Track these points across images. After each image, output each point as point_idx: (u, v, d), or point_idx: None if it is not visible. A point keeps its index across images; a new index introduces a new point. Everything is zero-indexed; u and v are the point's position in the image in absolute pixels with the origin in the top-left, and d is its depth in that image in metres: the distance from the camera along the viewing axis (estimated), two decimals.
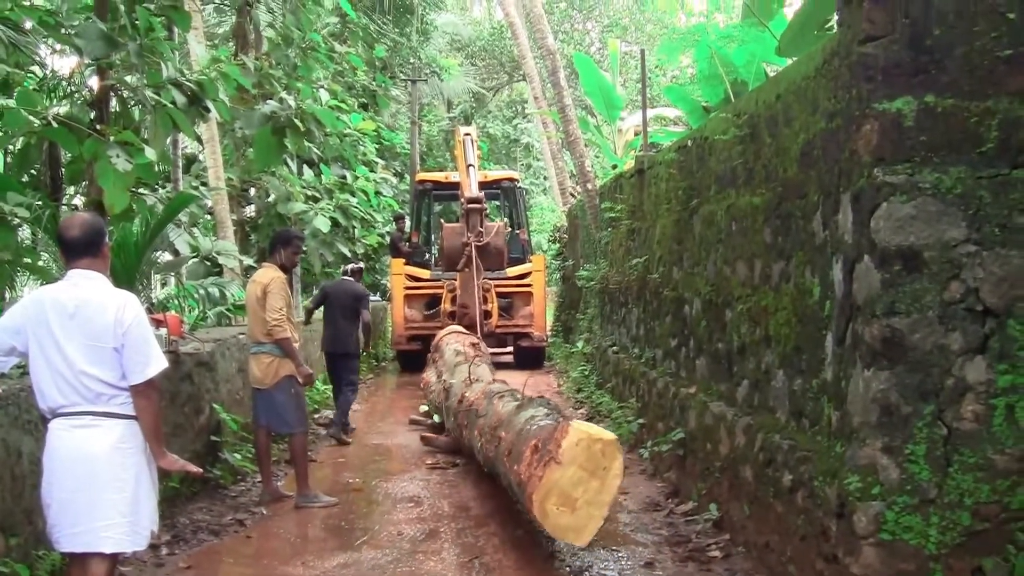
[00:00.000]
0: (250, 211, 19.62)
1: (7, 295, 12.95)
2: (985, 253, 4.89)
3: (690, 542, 7.31)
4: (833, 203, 5.57)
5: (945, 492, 4.85)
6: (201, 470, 5.68)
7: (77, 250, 4.91)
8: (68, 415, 4.74)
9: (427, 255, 22.51)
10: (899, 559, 4.82)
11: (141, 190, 11.98)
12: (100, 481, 4.72)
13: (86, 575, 4.78)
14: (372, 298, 27.47)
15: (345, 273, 13.54)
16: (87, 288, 4.84)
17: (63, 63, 19.22)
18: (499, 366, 15.29)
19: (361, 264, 14.50)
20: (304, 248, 16.91)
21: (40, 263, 10.84)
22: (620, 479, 6.48)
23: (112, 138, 8.76)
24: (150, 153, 9.22)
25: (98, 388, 4.75)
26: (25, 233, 10.36)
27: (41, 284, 11.44)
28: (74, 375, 4.72)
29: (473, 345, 13.34)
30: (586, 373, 15.87)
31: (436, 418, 12.37)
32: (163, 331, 8.54)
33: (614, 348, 13.73)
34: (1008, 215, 4.91)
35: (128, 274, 9.45)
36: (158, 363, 4.89)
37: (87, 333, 4.75)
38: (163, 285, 15.18)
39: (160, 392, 5.19)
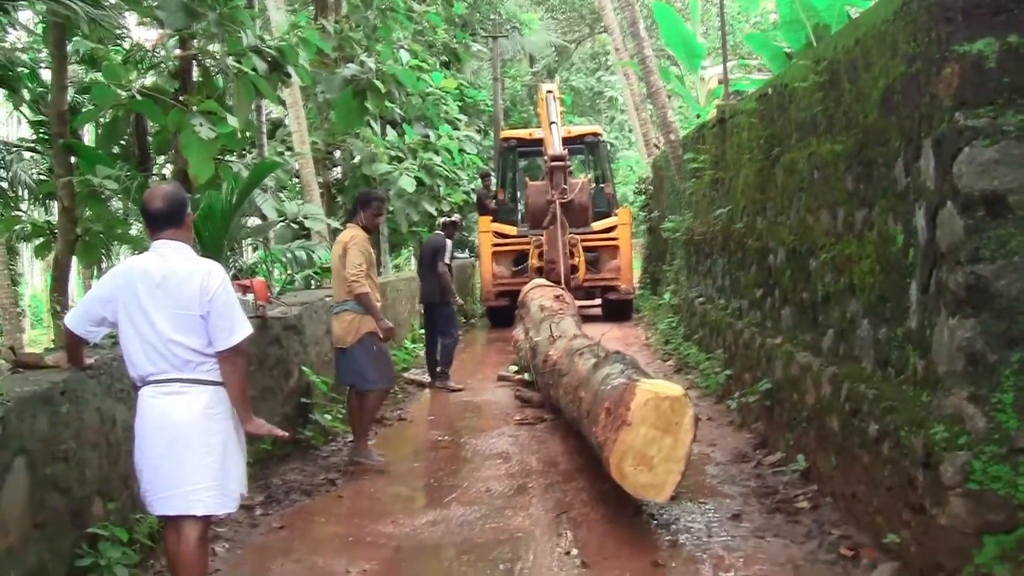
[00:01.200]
0: (336, 173, 19.81)
1: (103, 264, 13.25)
2: None
3: (777, 493, 7.29)
4: (915, 149, 5.46)
5: None
6: (287, 433, 5.79)
7: (160, 221, 5.02)
8: (157, 382, 4.86)
9: (514, 212, 22.60)
10: (987, 509, 4.75)
11: (227, 157, 12.15)
12: (189, 446, 4.85)
13: (180, 536, 4.92)
14: (460, 255, 27.69)
15: (440, 227, 14.02)
16: (173, 258, 4.95)
17: (148, 35, 19.46)
18: (587, 319, 15.32)
19: (455, 217, 14.73)
20: (389, 208, 17.11)
21: (132, 233, 11.08)
22: (693, 432, 6.56)
23: (195, 108, 8.91)
24: (232, 121, 9.36)
25: (186, 355, 4.86)
26: (117, 204, 10.56)
27: (133, 253, 11.73)
28: (163, 343, 4.83)
29: (557, 298, 13.40)
30: (673, 325, 15.82)
31: (527, 376, 12.49)
32: (250, 296, 8.67)
33: (700, 299, 13.66)
34: None
35: (216, 241, 9.59)
36: (244, 329, 5.01)
37: (174, 302, 4.85)
38: (254, 250, 15.37)
39: (247, 358, 5.34)
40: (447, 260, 13.28)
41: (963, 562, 4.78)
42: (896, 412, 5.56)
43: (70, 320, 5.10)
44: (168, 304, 4.85)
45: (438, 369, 13.38)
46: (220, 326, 4.91)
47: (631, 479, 6.51)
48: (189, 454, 4.85)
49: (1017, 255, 4.77)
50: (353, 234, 8.95)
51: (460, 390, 13.01)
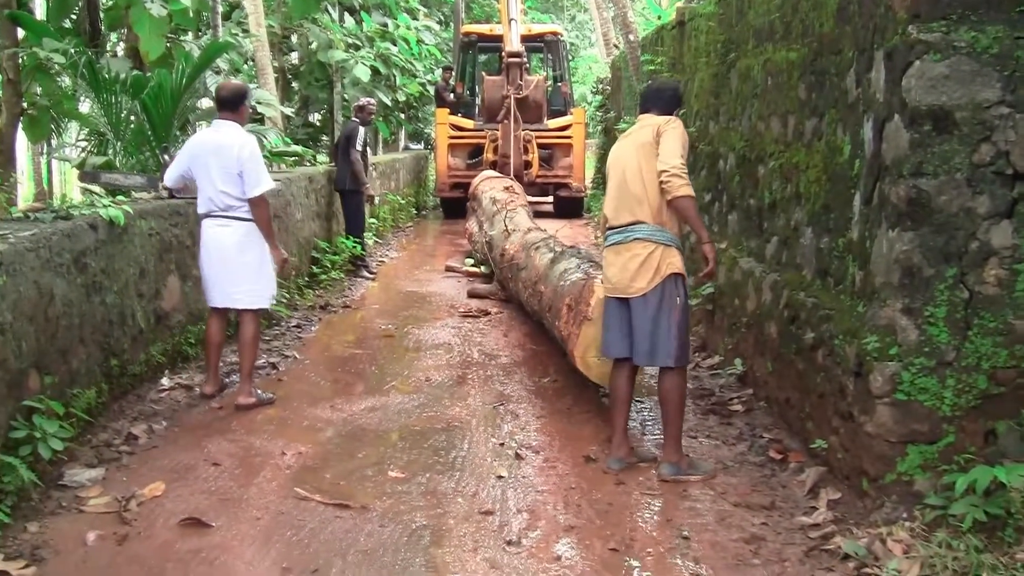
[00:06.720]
0: (292, 59, 19.54)
1: (53, 140, 13.03)
2: (1019, 116, 4.75)
3: (713, 395, 7.43)
4: (867, 60, 5.46)
5: (963, 355, 4.83)
6: (285, 256, 7.68)
7: (223, 105, 7.15)
8: (212, 217, 7.10)
9: (472, 106, 22.53)
10: (913, 419, 4.86)
11: (181, 37, 11.93)
12: (230, 260, 7.09)
13: (220, 322, 7.38)
14: (414, 146, 27.43)
15: (353, 111, 13.93)
16: (224, 133, 7.07)
17: None
18: (539, 215, 15.32)
19: (368, 101, 14.25)
20: (344, 97, 16.94)
21: (82, 110, 10.89)
22: None
23: None
24: (185, 0, 9.18)
25: (228, 201, 7.03)
26: (67, 80, 10.30)
27: (82, 129, 11.60)
28: (215, 192, 7.03)
29: (507, 189, 13.41)
30: None
31: (483, 268, 12.60)
32: None
33: None
34: None
35: (165, 120, 9.41)
36: (267, 184, 7.09)
37: (222, 164, 6.96)
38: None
39: (268, 205, 7.26)
40: (359, 147, 13.11)
41: (887, 469, 4.91)
42: (832, 321, 5.64)
43: (167, 179, 7.62)
44: (218, 165, 6.98)
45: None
46: (249, 181, 6.98)
47: (595, 369, 6.93)
48: (232, 266, 7.09)
49: (959, 171, 4.79)
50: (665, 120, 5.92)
51: (373, 277, 13.37)
